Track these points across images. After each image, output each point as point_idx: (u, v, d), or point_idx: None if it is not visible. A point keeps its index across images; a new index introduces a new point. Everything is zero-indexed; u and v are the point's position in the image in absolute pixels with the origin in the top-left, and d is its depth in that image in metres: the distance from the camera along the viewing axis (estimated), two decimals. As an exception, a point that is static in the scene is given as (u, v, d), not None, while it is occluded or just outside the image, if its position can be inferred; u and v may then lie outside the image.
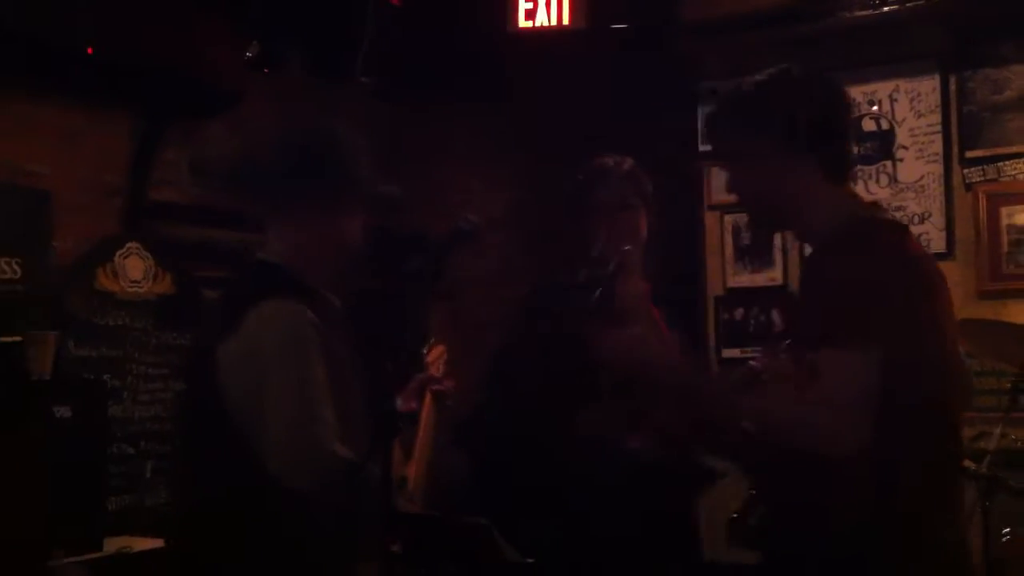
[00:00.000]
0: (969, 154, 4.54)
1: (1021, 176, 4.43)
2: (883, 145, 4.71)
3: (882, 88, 4.70)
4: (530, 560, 2.22)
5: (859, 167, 4.73)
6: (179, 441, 3.23)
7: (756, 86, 2.08)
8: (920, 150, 4.64)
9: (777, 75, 2.09)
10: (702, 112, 5.01)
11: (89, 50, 3.64)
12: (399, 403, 2.68)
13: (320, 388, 1.99)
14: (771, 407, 1.91)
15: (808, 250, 2.19)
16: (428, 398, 2.82)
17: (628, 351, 2.00)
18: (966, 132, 4.54)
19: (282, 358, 2.00)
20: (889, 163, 4.69)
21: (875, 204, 2.20)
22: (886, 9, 4.37)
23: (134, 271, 3.94)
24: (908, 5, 4.33)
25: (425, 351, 2.87)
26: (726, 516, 2.20)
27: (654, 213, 2.86)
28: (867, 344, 1.81)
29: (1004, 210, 4.45)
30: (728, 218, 4.97)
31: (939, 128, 4.59)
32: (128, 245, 3.93)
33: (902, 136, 4.67)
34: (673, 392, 2.04)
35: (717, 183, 4.98)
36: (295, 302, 2.05)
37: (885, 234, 1.98)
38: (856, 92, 4.75)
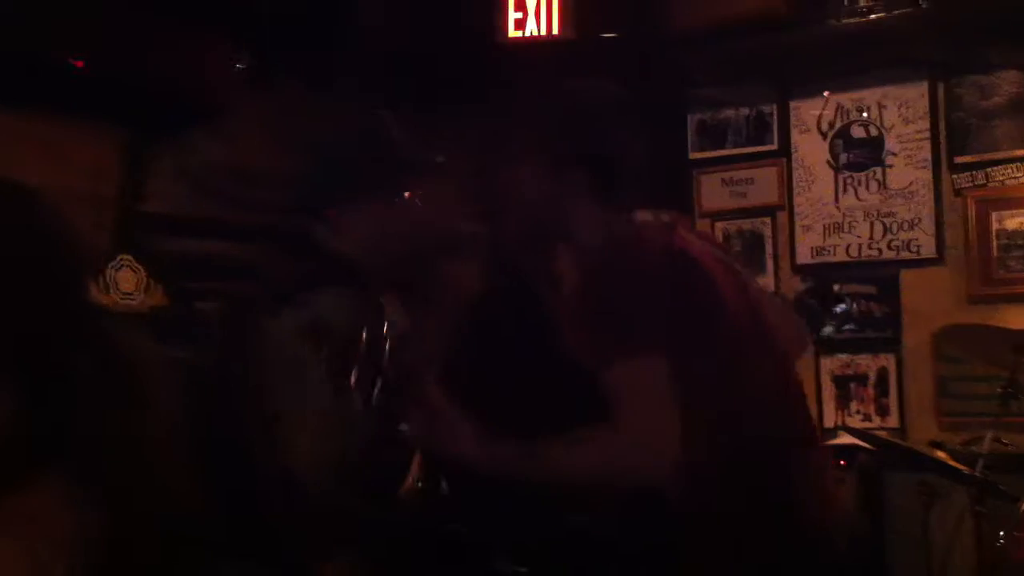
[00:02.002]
0: (958, 160, 4.56)
1: (1010, 181, 4.45)
2: (872, 152, 4.73)
3: (870, 95, 4.73)
4: (523, 570, 2.22)
5: (849, 174, 4.76)
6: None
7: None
8: (909, 156, 4.66)
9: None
10: (692, 120, 5.04)
11: (79, 63, 3.65)
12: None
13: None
14: (569, 453, 1.85)
15: None
16: None
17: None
18: (955, 138, 4.57)
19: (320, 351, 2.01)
20: (879, 169, 4.71)
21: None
22: (873, 17, 4.39)
23: (126, 284, 3.95)
24: (896, 12, 4.35)
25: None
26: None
27: None
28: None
29: (994, 215, 4.47)
30: (720, 225, 4.98)
31: (928, 134, 4.61)
32: (120, 258, 3.94)
33: (891, 143, 4.69)
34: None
35: (708, 190, 5.00)
36: (356, 293, 2.06)
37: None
38: (845, 99, 4.78)
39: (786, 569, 1.89)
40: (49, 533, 1.10)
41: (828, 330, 4.71)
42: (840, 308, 4.71)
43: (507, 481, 2.03)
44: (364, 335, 2.12)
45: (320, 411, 1.99)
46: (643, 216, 2.05)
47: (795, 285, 4.84)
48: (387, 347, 2.33)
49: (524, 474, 1.93)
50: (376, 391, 2.50)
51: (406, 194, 2.18)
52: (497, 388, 2.61)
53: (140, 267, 3.99)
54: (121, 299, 3.92)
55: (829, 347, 4.69)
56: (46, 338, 1.18)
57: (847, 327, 4.69)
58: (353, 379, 1.91)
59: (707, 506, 1.84)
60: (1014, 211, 4.43)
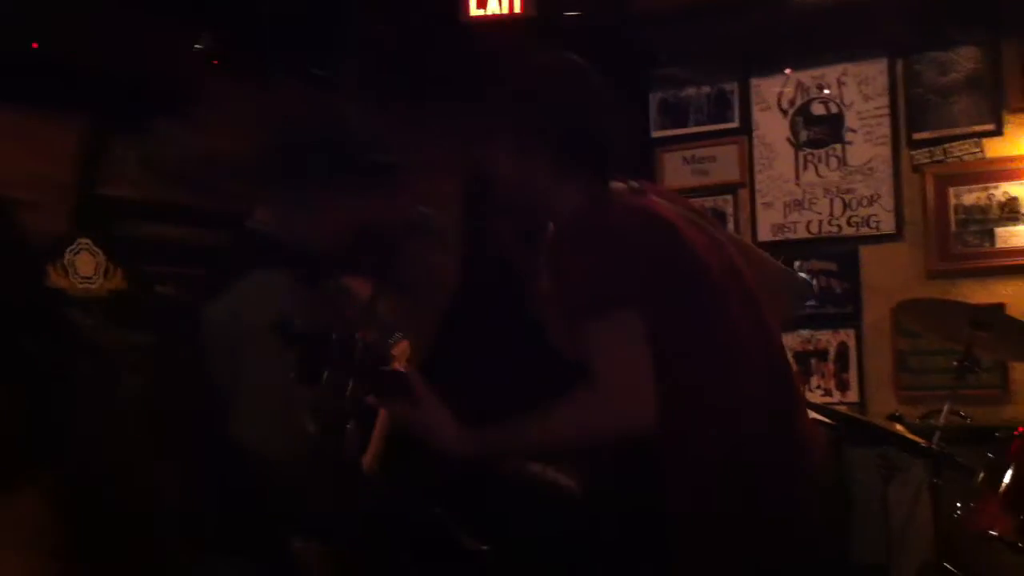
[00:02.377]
0: (917, 136, 4.60)
1: (968, 157, 4.50)
2: (832, 129, 4.77)
3: (830, 72, 4.76)
4: (485, 547, 2.24)
5: (809, 151, 4.79)
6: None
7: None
8: (869, 133, 4.69)
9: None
10: (654, 99, 5.05)
11: (34, 44, 3.60)
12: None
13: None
14: (549, 421, 1.88)
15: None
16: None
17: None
18: (913, 115, 4.61)
19: (263, 332, 2.00)
20: (839, 146, 4.75)
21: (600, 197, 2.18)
22: (834, -6, 4.41)
23: (85, 267, 3.91)
24: (855, -11, 4.37)
25: (391, 342, 2.85)
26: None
27: None
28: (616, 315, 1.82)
29: (951, 191, 4.52)
30: (682, 203, 5.00)
31: (887, 111, 4.65)
32: (79, 241, 3.91)
33: (851, 119, 4.72)
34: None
35: (670, 168, 5.02)
36: (285, 274, 2.05)
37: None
38: (805, 76, 4.81)
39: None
40: (38, 538, 1.09)
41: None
42: (801, 284, 4.75)
43: (492, 463, 2.05)
44: (321, 318, 2.12)
45: (274, 394, 1.99)
46: (615, 184, 2.07)
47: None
48: (350, 329, 2.32)
49: (508, 453, 1.94)
50: (339, 373, 2.51)
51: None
52: (482, 375, 2.64)
53: (99, 251, 3.96)
54: (80, 283, 3.89)
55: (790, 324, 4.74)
56: (9, 330, 1.17)
57: (808, 303, 4.73)
58: (312, 364, 1.91)
59: (691, 473, 1.86)
60: (971, 187, 4.48)
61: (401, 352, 2.87)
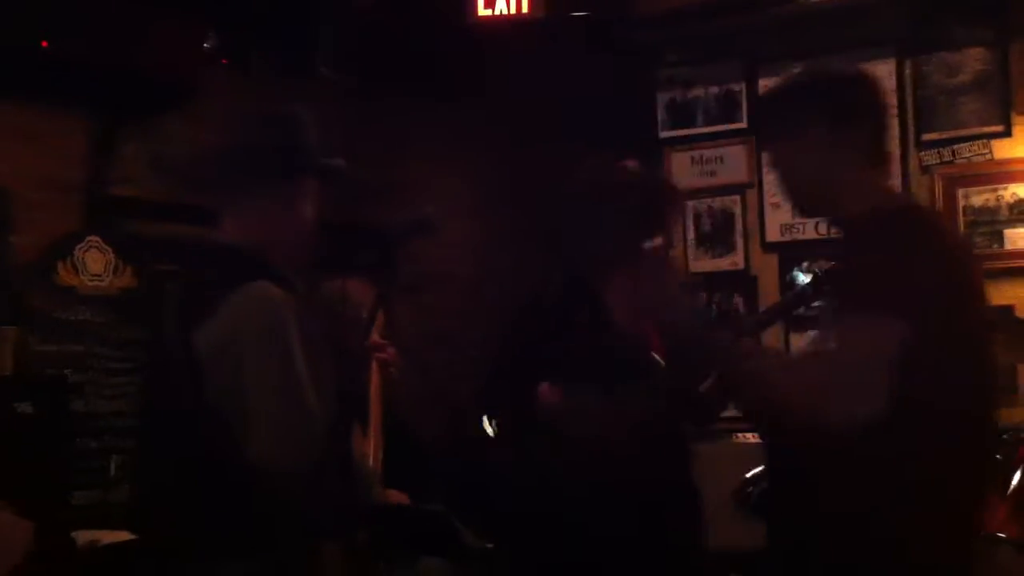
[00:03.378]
0: (925, 137, 4.59)
1: (976, 158, 4.49)
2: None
3: (839, 73, 4.75)
4: (488, 545, 2.25)
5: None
6: (145, 430, 3.22)
7: (810, 76, 2.21)
8: (877, 134, 4.68)
9: (825, 67, 2.28)
10: (661, 99, 5.05)
11: (44, 43, 3.61)
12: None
13: (303, 371, 2.00)
14: (792, 366, 2.00)
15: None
16: (374, 367, 2.78)
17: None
18: (922, 116, 4.60)
19: (268, 342, 2.00)
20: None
21: (907, 192, 2.31)
22: (841, -6, 4.41)
23: (95, 265, 3.93)
24: (863, -10, 4.37)
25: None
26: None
27: None
28: (892, 318, 1.86)
29: (960, 191, 4.50)
30: (690, 204, 4.99)
31: (896, 112, 4.63)
32: (88, 239, 3.92)
33: (859, 120, 4.70)
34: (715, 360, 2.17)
35: (678, 168, 5.01)
36: (271, 286, 2.06)
37: (926, 224, 2.10)
38: (814, 77, 4.80)
39: None
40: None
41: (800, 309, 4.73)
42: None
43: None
44: (317, 319, 2.14)
45: (287, 397, 1.98)
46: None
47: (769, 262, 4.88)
48: (352, 329, 2.33)
49: (754, 385, 2.03)
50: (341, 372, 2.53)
51: None
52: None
53: (108, 249, 3.97)
54: (89, 280, 3.91)
55: (799, 324, 4.72)
56: None
57: (816, 304, 4.71)
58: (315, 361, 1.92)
59: None
60: (980, 188, 4.47)
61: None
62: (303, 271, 2.27)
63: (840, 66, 2.23)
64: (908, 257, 1.93)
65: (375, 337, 2.76)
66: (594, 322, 2.59)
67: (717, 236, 4.96)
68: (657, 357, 2.77)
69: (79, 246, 3.90)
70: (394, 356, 2.81)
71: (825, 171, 2.10)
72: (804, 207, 2.35)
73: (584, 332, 2.56)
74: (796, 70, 2.26)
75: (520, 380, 2.79)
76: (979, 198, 4.47)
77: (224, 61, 4.14)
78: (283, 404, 1.97)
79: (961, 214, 4.49)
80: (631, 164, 2.84)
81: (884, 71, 4.66)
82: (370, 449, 2.67)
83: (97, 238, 3.95)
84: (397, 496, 2.72)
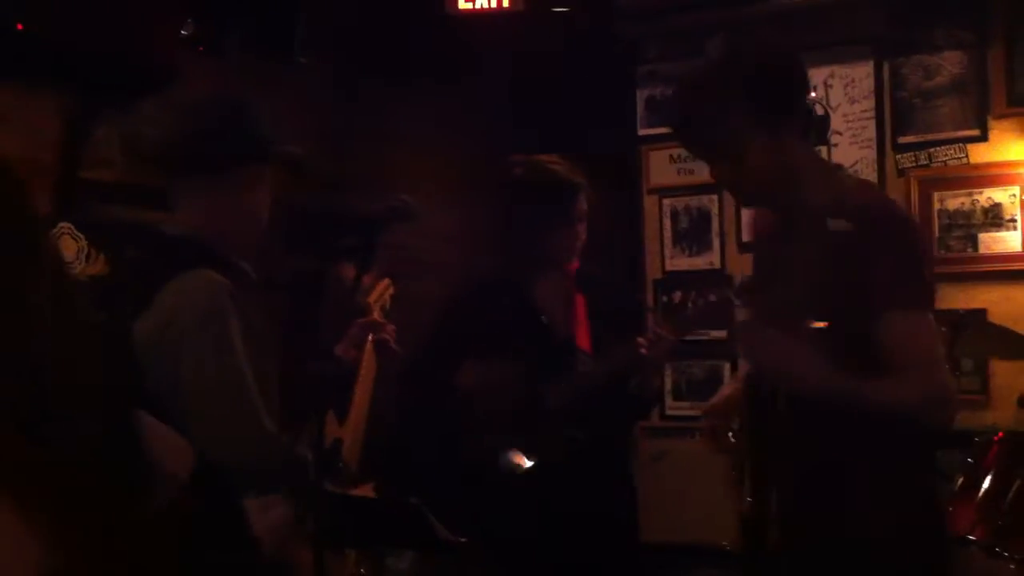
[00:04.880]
0: (901, 140, 4.61)
1: (952, 162, 4.51)
2: (818, 131, 4.76)
3: (817, 74, 4.75)
4: (462, 539, 2.23)
5: (795, 152, 4.79)
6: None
7: (723, 59, 2.07)
8: (854, 136, 4.70)
9: (734, 45, 2.12)
10: (641, 96, 5.04)
11: (19, 26, 3.56)
12: (338, 350, 2.66)
13: (243, 361, 1.98)
14: (867, 388, 1.91)
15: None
16: (369, 347, 2.66)
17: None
18: (898, 118, 4.62)
19: (205, 331, 1.99)
20: (824, 149, 4.75)
21: (856, 177, 2.31)
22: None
23: (66, 252, 3.88)
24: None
25: (368, 284, 2.74)
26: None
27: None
28: (928, 304, 1.95)
29: (936, 195, 4.53)
30: (667, 202, 5.00)
31: (873, 114, 4.66)
32: (60, 226, 3.87)
33: (836, 122, 4.73)
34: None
35: (655, 166, 5.01)
36: (211, 273, 2.03)
37: (908, 217, 2.14)
38: (792, 78, 4.81)
39: None
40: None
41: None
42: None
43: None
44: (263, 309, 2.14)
45: (228, 385, 1.97)
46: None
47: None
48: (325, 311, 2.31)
49: (842, 400, 1.96)
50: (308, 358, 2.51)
51: None
52: None
53: (81, 236, 3.92)
54: (61, 267, 3.86)
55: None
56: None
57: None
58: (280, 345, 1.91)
59: None
60: (955, 191, 4.50)
61: (380, 292, 2.81)
62: (259, 258, 2.25)
63: (750, 40, 2.16)
64: (915, 252, 1.99)
65: (376, 315, 2.72)
66: (518, 312, 2.73)
67: (694, 235, 4.96)
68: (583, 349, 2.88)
69: (51, 233, 3.84)
70: (393, 333, 2.75)
71: (770, 159, 1.99)
72: (749, 200, 2.26)
73: (508, 319, 2.75)
74: (708, 51, 2.16)
75: (444, 361, 2.96)
76: (954, 202, 4.50)
77: (200, 48, 4.09)
78: (219, 391, 1.96)
79: (936, 218, 4.52)
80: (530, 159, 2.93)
81: (861, 72, 4.68)
82: (346, 436, 2.62)
83: (69, 225, 3.90)
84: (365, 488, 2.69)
